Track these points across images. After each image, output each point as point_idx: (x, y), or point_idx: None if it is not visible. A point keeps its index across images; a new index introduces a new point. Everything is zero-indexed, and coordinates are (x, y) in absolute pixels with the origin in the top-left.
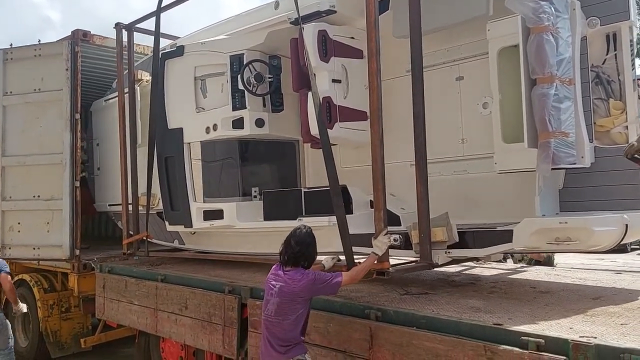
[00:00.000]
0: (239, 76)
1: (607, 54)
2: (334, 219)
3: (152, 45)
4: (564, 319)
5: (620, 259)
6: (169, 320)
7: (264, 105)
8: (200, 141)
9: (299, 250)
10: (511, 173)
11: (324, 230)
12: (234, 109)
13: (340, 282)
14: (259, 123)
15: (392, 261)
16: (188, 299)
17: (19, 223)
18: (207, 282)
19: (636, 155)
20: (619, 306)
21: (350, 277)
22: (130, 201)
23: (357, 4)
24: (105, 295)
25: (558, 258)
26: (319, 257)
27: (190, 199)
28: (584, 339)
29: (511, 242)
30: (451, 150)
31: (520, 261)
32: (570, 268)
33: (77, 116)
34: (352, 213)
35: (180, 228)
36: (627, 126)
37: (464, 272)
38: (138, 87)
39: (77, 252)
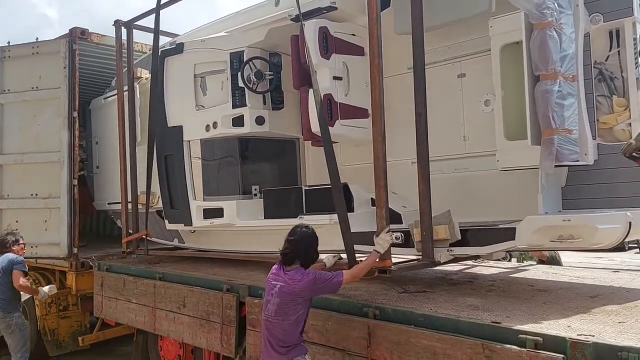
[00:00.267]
0: (239, 73)
1: (610, 51)
2: (335, 216)
3: (150, 44)
4: (562, 317)
5: (617, 258)
6: (167, 318)
7: (264, 103)
8: (200, 139)
9: (300, 249)
10: (513, 171)
11: (325, 228)
12: (234, 106)
13: (341, 281)
14: (259, 121)
15: (394, 259)
16: (186, 297)
17: (16, 221)
18: (205, 280)
19: (634, 154)
20: (617, 304)
21: (352, 275)
22: (129, 200)
23: (358, 0)
24: (103, 294)
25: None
26: (320, 256)
27: (190, 197)
28: (582, 337)
29: (514, 239)
30: (453, 148)
31: (524, 259)
32: (568, 266)
33: (75, 114)
34: (353, 211)
35: (179, 226)
36: (630, 123)
37: (462, 270)
38: (137, 85)
39: (75, 250)
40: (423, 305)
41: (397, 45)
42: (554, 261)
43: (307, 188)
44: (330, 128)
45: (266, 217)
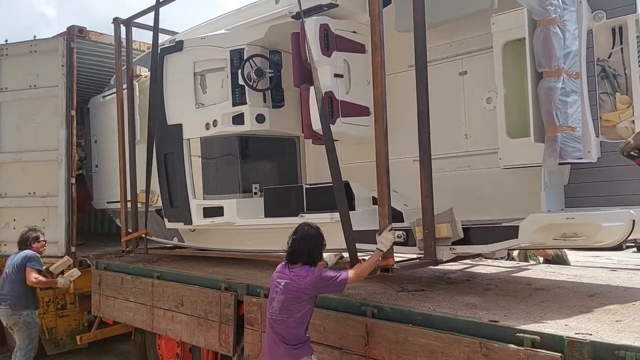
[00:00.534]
0: (240, 71)
1: (612, 48)
2: (336, 215)
3: (148, 42)
4: (560, 315)
5: (615, 257)
6: (165, 317)
7: (265, 101)
8: (200, 137)
9: (305, 247)
10: (515, 168)
11: (327, 226)
12: (234, 104)
13: (347, 280)
14: (260, 119)
15: (395, 258)
16: (184, 296)
17: (14, 220)
18: (203, 279)
19: (632, 153)
20: (614, 303)
21: (356, 274)
22: (128, 198)
23: None
24: (101, 292)
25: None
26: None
27: (189, 196)
28: (579, 336)
29: (517, 238)
30: (454, 146)
31: (529, 258)
32: (566, 265)
33: (73, 112)
34: (354, 209)
35: (179, 225)
36: (633, 120)
37: (460, 269)
38: (136, 83)
39: (73, 249)
40: (421, 304)
41: (397, 43)
42: (561, 260)
43: (308, 186)
44: (331, 126)
45: (267, 215)
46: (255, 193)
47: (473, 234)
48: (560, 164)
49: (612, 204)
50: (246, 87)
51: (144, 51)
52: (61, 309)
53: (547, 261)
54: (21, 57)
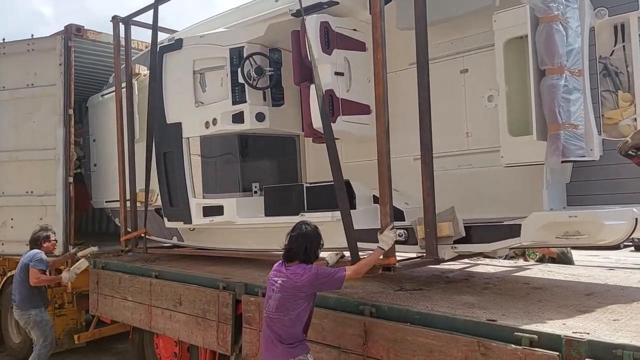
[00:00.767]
0: (239, 69)
1: (615, 45)
2: (337, 214)
3: (146, 41)
4: (557, 314)
5: (612, 256)
6: (163, 316)
7: (265, 99)
8: (200, 136)
9: (302, 246)
10: (517, 167)
11: (327, 225)
12: (234, 103)
13: (344, 276)
14: (260, 117)
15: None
16: (182, 295)
17: (12, 219)
18: (201, 278)
19: (630, 152)
20: (612, 302)
21: (355, 271)
22: (128, 198)
23: None
24: (99, 292)
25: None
26: (322, 254)
27: (189, 195)
28: (577, 335)
29: (519, 236)
30: (456, 144)
31: (528, 255)
32: (569, 264)
33: (71, 111)
34: (355, 208)
35: (179, 224)
36: (635, 118)
37: (458, 268)
38: (135, 82)
39: (71, 247)
40: (419, 303)
41: (398, 41)
42: (566, 258)
43: (308, 185)
44: (331, 124)
45: (267, 214)
46: (255, 192)
47: (475, 233)
48: (562, 162)
49: (614, 202)
50: (246, 85)
51: (142, 50)
52: (59, 308)
53: (553, 259)
54: (19, 56)
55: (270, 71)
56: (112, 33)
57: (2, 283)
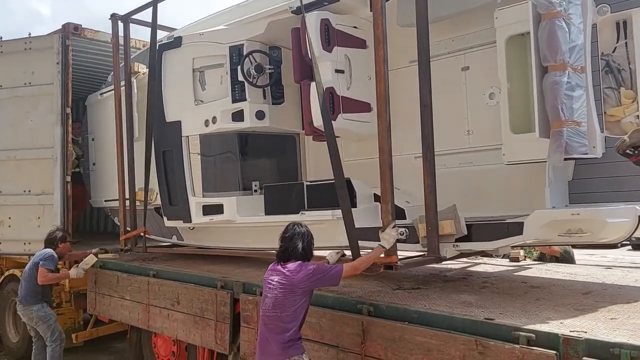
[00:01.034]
0: (239, 67)
1: (617, 42)
2: (337, 212)
3: (143, 39)
4: (555, 313)
5: (610, 255)
6: (161, 315)
7: (264, 98)
8: (199, 134)
9: (298, 244)
10: (518, 165)
11: (328, 224)
12: (234, 101)
13: (341, 272)
14: (260, 115)
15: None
16: (180, 294)
17: (9, 218)
18: (199, 277)
19: (628, 151)
20: (609, 301)
21: (353, 267)
22: (127, 197)
23: None
24: (97, 291)
25: None
26: (323, 253)
27: (189, 194)
28: (574, 334)
29: (521, 234)
30: (457, 142)
31: (526, 253)
32: (561, 263)
33: (68, 110)
34: (355, 206)
35: (178, 223)
36: (638, 115)
37: (455, 267)
38: (134, 80)
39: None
40: (417, 302)
41: (398, 38)
42: (569, 256)
43: (308, 183)
44: (332, 122)
45: (267, 213)
46: (255, 190)
47: (477, 231)
48: (565, 159)
49: (617, 199)
50: (246, 83)
51: (139, 49)
52: (57, 307)
53: (556, 259)
54: (16, 55)
55: (270, 69)
56: (109, 32)
57: None
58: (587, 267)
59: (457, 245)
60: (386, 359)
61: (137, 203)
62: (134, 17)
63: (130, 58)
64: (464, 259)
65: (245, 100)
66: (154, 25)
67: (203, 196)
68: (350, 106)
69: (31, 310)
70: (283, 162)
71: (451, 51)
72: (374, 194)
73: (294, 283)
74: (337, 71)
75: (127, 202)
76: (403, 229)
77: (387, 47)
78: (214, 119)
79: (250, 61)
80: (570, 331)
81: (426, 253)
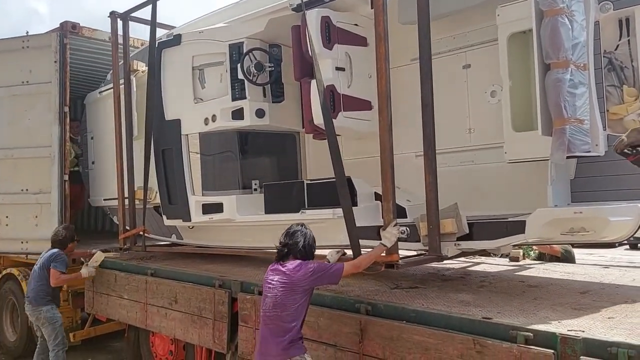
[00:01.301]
0: (239, 65)
1: (619, 40)
2: (338, 211)
3: (143, 38)
4: (553, 312)
5: (608, 254)
6: (158, 314)
7: (264, 96)
8: (199, 133)
9: (300, 243)
10: (520, 163)
11: (328, 223)
12: (234, 99)
13: (342, 270)
14: (260, 114)
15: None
16: (178, 293)
17: (7, 217)
18: (197, 276)
19: (626, 150)
20: (607, 300)
21: (354, 265)
22: (126, 195)
23: None
24: (95, 290)
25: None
26: (324, 252)
27: (188, 193)
28: (572, 333)
29: (523, 233)
30: (458, 140)
31: (525, 252)
32: (560, 262)
33: (66, 109)
34: (356, 205)
35: (178, 222)
36: None
37: (453, 267)
38: (134, 78)
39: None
40: (415, 301)
41: (399, 36)
42: (569, 256)
43: (309, 182)
44: (333, 120)
45: (267, 212)
46: (255, 189)
47: (478, 230)
48: (568, 157)
49: (620, 198)
50: (246, 81)
51: (138, 47)
52: None
53: (557, 259)
54: (13, 53)
55: (270, 67)
56: (108, 30)
57: None
58: (585, 266)
59: (458, 244)
60: (384, 358)
61: (137, 202)
62: (133, 14)
63: (129, 56)
64: (462, 258)
65: (245, 98)
66: (153, 23)
67: (203, 195)
68: (351, 104)
69: (40, 311)
70: (283, 160)
71: (452, 49)
72: (375, 192)
73: (294, 282)
74: (337, 69)
75: (127, 201)
76: (404, 228)
77: (389, 44)
78: (214, 117)
79: (250, 59)
80: (568, 330)
81: (427, 252)
